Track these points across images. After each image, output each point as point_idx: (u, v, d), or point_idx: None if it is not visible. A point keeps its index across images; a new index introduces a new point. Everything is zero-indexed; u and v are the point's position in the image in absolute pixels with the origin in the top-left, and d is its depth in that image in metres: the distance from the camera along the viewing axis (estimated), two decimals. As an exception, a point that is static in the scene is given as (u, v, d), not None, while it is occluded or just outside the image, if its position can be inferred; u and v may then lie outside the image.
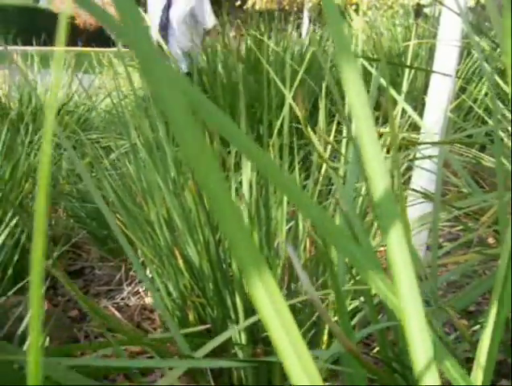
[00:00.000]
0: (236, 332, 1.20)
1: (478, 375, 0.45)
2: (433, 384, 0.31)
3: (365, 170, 0.29)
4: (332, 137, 1.38)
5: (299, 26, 5.78)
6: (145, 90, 1.46)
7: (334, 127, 1.41)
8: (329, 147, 1.30)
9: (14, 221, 1.73)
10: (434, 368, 0.31)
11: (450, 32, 1.85)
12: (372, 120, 0.29)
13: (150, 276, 1.32)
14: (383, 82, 1.11)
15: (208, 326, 1.18)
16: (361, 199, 1.29)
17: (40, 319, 0.16)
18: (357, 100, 0.28)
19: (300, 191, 0.24)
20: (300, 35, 5.16)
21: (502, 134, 1.48)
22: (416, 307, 0.29)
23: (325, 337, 1.19)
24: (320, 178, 1.27)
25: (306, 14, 6.46)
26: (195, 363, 0.60)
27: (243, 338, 1.20)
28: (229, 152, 1.34)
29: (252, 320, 0.70)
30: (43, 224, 0.15)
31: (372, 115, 0.30)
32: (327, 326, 1.18)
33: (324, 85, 1.35)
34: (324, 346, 1.19)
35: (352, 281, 1.07)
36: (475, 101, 3.06)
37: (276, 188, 1.24)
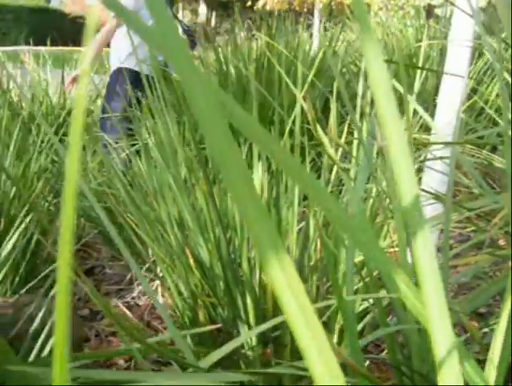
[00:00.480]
0: (246, 333, 1.20)
1: (491, 374, 0.45)
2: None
3: (376, 171, 0.29)
4: (343, 139, 1.38)
5: (309, 27, 5.77)
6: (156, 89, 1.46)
7: (346, 128, 1.41)
8: (340, 148, 1.30)
9: (26, 220, 1.74)
10: (460, 376, 0.31)
11: (461, 33, 1.84)
12: (399, 121, 0.29)
13: (161, 275, 1.33)
14: (395, 83, 1.11)
15: (218, 325, 1.19)
16: (371, 200, 1.29)
17: (66, 331, 0.16)
18: (384, 101, 0.28)
19: (319, 186, 0.24)
20: (311, 36, 5.16)
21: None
22: (442, 313, 0.29)
23: (335, 338, 1.19)
24: (331, 179, 1.27)
25: (316, 15, 6.46)
26: (202, 378, 0.60)
27: (253, 339, 1.20)
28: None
29: (263, 327, 0.70)
30: (69, 232, 0.15)
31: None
32: (337, 327, 1.18)
33: (335, 86, 1.35)
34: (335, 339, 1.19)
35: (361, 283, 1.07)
36: (486, 102, 3.05)
37: (295, 183, 1.24)
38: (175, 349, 0.74)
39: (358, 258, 0.98)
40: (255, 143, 0.22)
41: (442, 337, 0.30)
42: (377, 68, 0.30)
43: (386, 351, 1.33)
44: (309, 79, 1.20)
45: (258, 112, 1.36)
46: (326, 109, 2.98)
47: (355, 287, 1.15)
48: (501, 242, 1.47)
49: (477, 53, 3.23)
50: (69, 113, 3.49)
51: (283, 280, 0.19)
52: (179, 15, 16.90)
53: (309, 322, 0.20)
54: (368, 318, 1.17)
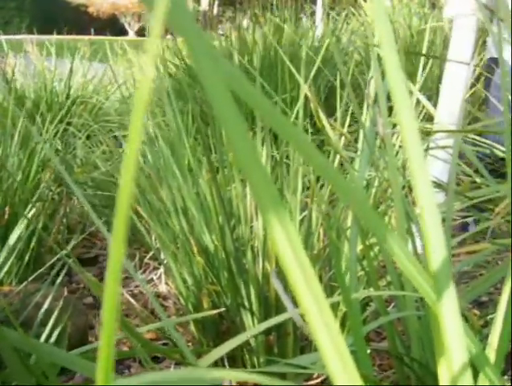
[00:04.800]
0: (250, 320, 1.22)
1: (490, 357, 0.46)
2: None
3: (377, 161, 0.30)
4: (346, 127, 1.38)
5: (312, 15, 5.75)
6: (161, 79, 1.47)
7: (348, 117, 1.41)
8: (344, 137, 1.30)
9: (31, 210, 1.75)
10: (469, 370, 0.31)
11: (465, 19, 1.84)
12: (412, 109, 0.29)
13: (165, 262, 1.34)
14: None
15: (221, 310, 1.20)
16: (374, 189, 1.29)
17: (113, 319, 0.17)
18: (398, 90, 0.29)
19: (324, 160, 0.25)
20: (314, 23, 5.13)
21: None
22: (452, 303, 0.30)
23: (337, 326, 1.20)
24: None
25: (319, 3, 6.42)
26: (206, 372, 0.61)
27: (256, 325, 1.21)
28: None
29: (267, 325, 0.70)
30: (123, 228, 0.16)
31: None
32: (339, 315, 1.20)
33: (338, 75, 1.35)
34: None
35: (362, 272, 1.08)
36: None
37: (300, 156, 1.25)
38: (175, 349, 0.74)
39: (360, 247, 0.99)
40: (262, 116, 0.23)
41: (452, 324, 0.30)
42: (391, 58, 0.31)
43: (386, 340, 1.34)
44: (315, 67, 1.21)
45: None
46: (330, 98, 2.98)
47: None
48: (504, 230, 1.47)
49: (481, 41, 3.22)
50: (74, 103, 3.50)
51: (285, 240, 0.20)
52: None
53: (310, 286, 0.21)
54: (371, 307, 1.18)
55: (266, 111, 0.22)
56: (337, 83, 1.25)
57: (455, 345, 0.28)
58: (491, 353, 0.43)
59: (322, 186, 1.45)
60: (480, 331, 0.83)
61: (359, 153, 1.27)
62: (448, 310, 0.29)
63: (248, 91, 0.21)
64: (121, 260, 0.16)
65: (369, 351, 1.37)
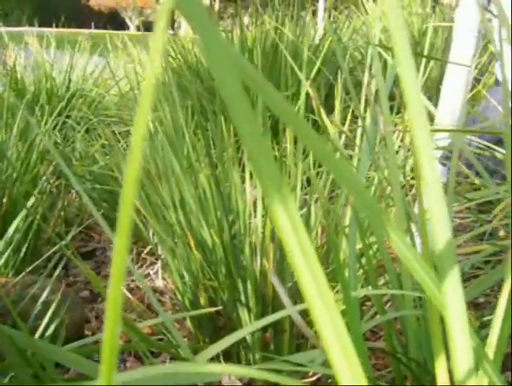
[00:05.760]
0: (247, 316, 1.22)
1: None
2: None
3: (378, 159, 0.30)
4: (347, 126, 1.38)
5: (314, 13, 5.74)
6: (164, 74, 1.47)
7: (349, 115, 1.41)
8: (344, 135, 1.30)
9: (29, 202, 1.75)
10: (475, 372, 0.31)
11: (467, 20, 1.84)
12: (423, 105, 0.29)
13: (163, 257, 1.34)
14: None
15: (218, 308, 1.20)
16: (373, 188, 1.30)
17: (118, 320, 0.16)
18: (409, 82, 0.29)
19: (328, 150, 0.25)
20: (316, 23, 5.13)
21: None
22: (459, 302, 0.30)
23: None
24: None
25: (322, 1, 6.42)
26: (203, 366, 0.61)
27: (253, 322, 1.21)
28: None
29: (264, 322, 0.70)
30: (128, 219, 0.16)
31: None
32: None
33: (340, 74, 1.35)
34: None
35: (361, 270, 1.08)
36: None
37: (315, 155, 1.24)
38: (171, 345, 0.74)
39: (359, 245, 0.99)
40: (268, 102, 0.23)
41: (459, 324, 0.30)
42: (406, 61, 0.30)
43: (383, 339, 1.34)
44: (316, 66, 1.21)
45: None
46: (331, 96, 2.97)
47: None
48: (501, 233, 1.47)
49: (483, 43, 3.22)
50: (73, 96, 3.49)
51: (287, 221, 0.20)
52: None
53: (310, 265, 0.20)
54: (368, 306, 1.18)
55: (272, 98, 0.21)
56: (338, 81, 1.25)
57: (459, 336, 0.28)
58: (490, 353, 0.43)
59: (323, 185, 1.45)
60: (477, 332, 0.83)
61: (358, 151, 1.27)
62: (453, 297, 0.28)
63: (254, 78, 0.21)
64: (125, 256, 0.16)
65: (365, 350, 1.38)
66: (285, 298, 0.58)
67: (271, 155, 0.19)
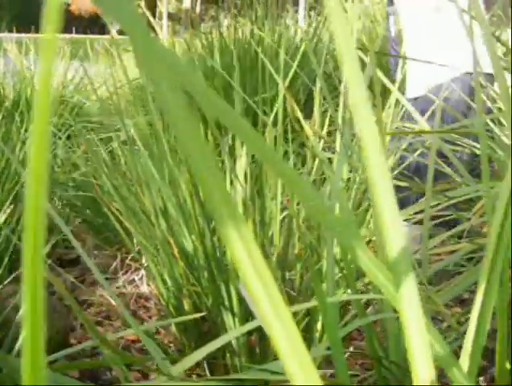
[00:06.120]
0: (231, 321, 1.22)
1: (465, 361, 0.46)
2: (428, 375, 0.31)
3: (355, 161, 0.30)
4: (325, 128, 1.39)
5: (294, 15, 5.75)
6: (142, 79, 1.46)
7: (327, 118, 1.42)
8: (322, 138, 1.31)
9: (9, 210, 1.74)
10: (430, 360, 0.31)
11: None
12: (371, 114, 0.29)
13: (146, 264, 1.34)
14: (378, 72, 1.11)
15: (202, 314, 1.20)
16: (353, 190, 1.30)
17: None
18: (356, 90, 0.29)
19: (296, 176, 0.25)
20: (297, 22, 5.14)
21: (492, 124, 1.49)
22: (412, 297, 0.30)
23: (319, 325, 1.20)
24: (314, 169, 1.28)
25: (302, 2, 6.44)
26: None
27: (237, 326, 1.21)
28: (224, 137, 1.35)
29: (250, 327, 0.70)
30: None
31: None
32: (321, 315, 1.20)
33: (317, 77, 1.35)
34: (317, 334, 1.21)
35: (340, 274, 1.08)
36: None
37: (272, 173, 1.25)
38: (147, 358, 0.74)
39: (337, 249, 1.00)
40: (235, 133, 0.23)
41: (414, 319, 0.30)
42: (350, 63, 0.31)
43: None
44: (293, 69, 1.21)
45: (242, 102, 1.37)
46: (310, 99, 2.98)
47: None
48: (485, 229, 1.49)
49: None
50: (54, 101, 3.46)
51: (243, 252, 0.19)
52: (164, 2, 16.74)
53: (276, 307, 0.20)
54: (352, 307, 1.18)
55: (211, 101, 0.21)
56: (316, 84, 1.25)
57: (416, 340, 0.29)
58: (466, 358, 0.43)
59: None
60: (457, 330, 0.83)
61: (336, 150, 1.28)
62: (408, 302, 0.29)
63: (198, 89, 0.21)
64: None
65: (351, 350, 1.38)
66: (254, 308, 0.58)
67: (220, 177, 0.19)
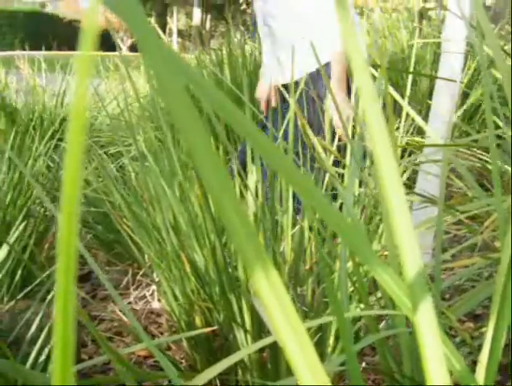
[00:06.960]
0: (243, 336, 1.21)
1: (481, 374, 0.46)
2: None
3: (367, 176, 0.30)
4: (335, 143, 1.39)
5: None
6: (151, 95, 1.47)
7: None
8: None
9: (22, 226, 1.74)
10: (446, 374, 0.31)
11: (454, 35, 1.85)
12: (386, 135, 0.29)
13: (157, 280, 1.34)
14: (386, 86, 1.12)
15: (214, 328, 1.19)
16: (364, 204, 1.30)
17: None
18: (371, 111, 0.29)
19: (311, 185, 0.24)
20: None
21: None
22: (428, 310, 0.30)
23: (331, 340, 1.19)
24: (325, 183, 1.28)
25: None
26: None
27: (249, 341, 1.21)
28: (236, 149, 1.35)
29: (263, 344, 0.69)
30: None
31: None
32: (333, 330, 1.19)
33: (327, 90, 1.36)
34: (329, 349, 1.20)
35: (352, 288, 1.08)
36: (479, 105, 3.06)
37: (285, 181, 1.25)
38: (161, 374, 0.73)
39: (350, 263, 0.99)
40: (251, 143, 0.23)
41: (427, 329, 0.30)
42: (363, 78, 0.31)
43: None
44: (302, 83, 1.21)
45: (252, 115, 1.37)
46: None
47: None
48: (497, 244, 1.48)
49: (470, 56, 3.25)
50: (65, 119, 3.49)
51: (273, 300, 0.19)
52: (174, 19, 16.89)
53: (300, 339, 0.20)
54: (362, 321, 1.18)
55: (253, 137, 0.21)
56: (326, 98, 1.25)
57: (432, 354, 0.28)
58: (481, 371, 0.43)
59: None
60: (471, 345, 0.83)
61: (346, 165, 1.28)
62: (424, 320, 0.28)
63: (213, 97, 0.21)
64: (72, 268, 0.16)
65: (364, 366, 1.37)
66: (268, 322, 0.58)
67: (232, 192, 0.19)
